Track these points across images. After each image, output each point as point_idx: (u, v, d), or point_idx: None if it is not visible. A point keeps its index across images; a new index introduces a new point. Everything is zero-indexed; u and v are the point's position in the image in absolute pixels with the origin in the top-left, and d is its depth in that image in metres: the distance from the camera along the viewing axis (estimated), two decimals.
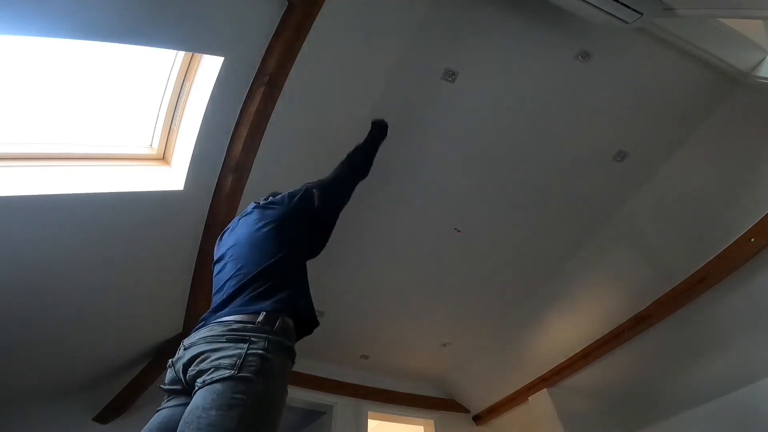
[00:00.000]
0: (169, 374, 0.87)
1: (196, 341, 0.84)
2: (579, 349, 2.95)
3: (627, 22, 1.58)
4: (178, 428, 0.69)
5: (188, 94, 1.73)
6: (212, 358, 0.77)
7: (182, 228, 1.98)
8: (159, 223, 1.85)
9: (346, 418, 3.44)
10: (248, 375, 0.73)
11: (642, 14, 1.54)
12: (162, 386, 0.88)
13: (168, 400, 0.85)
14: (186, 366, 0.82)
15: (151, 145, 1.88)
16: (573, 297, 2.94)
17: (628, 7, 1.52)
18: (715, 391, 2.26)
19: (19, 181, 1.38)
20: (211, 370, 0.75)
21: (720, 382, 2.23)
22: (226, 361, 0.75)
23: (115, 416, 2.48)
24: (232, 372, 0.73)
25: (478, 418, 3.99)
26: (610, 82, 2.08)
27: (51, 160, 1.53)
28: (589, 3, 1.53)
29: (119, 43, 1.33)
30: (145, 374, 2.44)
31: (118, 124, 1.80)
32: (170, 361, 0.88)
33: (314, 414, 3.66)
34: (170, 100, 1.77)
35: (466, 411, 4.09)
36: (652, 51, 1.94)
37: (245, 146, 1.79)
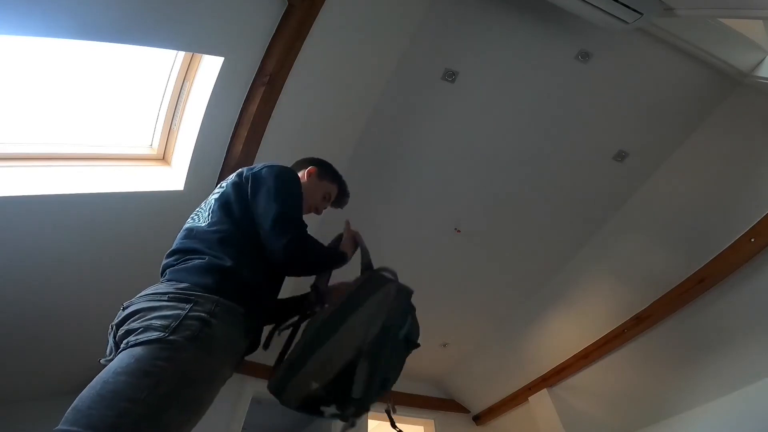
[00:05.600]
0: (108, 343, 0.74)
1: (135, 300, 0.73)
2: (579, 349, 2.94)
3: (627, 23, 1.58)
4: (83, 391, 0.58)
5: (188, 94, 1.74)
6: (147, 317, 0.66)
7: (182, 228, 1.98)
8: (159, 224, 1.85)
9: None
10: (178, 339, 0.63)
11: (642, 14, 1.54)
12: (100, 360, 0.72)
13: None
14: (118, 327, 0.70)
15: (151, 145, 1.88)
16: (573, 297, 2.94)
17: (628, 7, 1.52)
18: (715, 391, 2.26)
19: (19, 181, 1.38)
20: (140, 330, 0.64)
21: (720, 382, 2.23)
22: (158, 322, 0.65)
23: None
24: (162, 334, 0.62)
25: (478, 418, 3.99)
26: (610, 82, 2.08)
27: (51, 160, 1.53)
28: (589, 3, 1.53)
29: (120, 43, 1.33)
30: None
31: (118, 124, 1.80)
32: (111, 325, 0.74)
33: None
34: (170, 100, 1.77)
35: (466, 411, 4.09)
36: (652, 51, 1.94)
37: (245, 146, 1.79)
